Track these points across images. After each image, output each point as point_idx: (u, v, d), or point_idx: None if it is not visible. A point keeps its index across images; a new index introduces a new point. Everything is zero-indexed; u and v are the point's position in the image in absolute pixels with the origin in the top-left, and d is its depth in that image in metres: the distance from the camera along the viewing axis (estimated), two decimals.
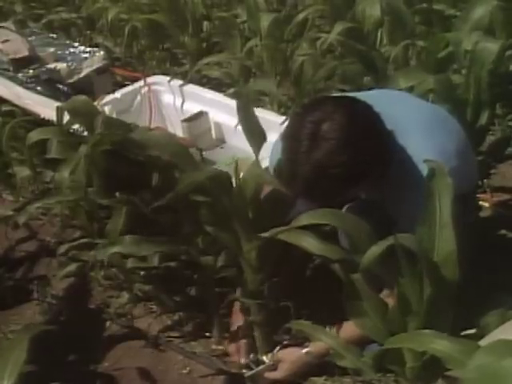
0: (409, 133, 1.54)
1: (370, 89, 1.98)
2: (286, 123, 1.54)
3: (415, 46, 2.69)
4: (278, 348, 1.80)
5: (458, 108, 2.07)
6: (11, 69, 3.04)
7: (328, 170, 1.39)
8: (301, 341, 1.72)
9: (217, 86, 3.25)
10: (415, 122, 1.59)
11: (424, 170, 1.41)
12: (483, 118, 2.18)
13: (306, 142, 1.40)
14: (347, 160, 1.38)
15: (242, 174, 1.64)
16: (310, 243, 1.43)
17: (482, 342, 1.19)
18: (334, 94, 2.06)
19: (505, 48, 2.28)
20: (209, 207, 1.66)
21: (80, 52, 3.19)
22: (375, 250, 1.26)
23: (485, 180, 2.38)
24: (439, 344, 1.16)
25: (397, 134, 1.52)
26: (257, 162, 1.64)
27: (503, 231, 2.19)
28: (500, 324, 1.30)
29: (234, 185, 1.62)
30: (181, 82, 2.86)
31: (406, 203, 1.49)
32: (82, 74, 3.02)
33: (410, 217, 1.38)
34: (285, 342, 1.82)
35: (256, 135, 1.65)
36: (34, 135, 2.13)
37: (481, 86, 2.13)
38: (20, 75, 3.00)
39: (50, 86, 2.95)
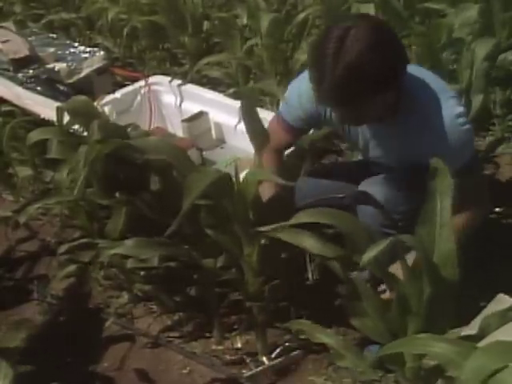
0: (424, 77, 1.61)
1: None
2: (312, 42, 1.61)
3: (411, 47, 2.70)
4: (278, 350, 1.80)
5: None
6: (11, 69, 3.04)
7: (358, 69, 1.42)
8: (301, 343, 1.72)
9: (217, 86, 3.25)
10: (427, 76, 1.64)
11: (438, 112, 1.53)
12: (476, 103, 2.25)
13: (335, 44, 1.42)
14: (377, 59, 1.42)
15: (242, 175, 1.64)
16: (310, 243, 1.44)
17: (482, 344, 1.19)
18: None
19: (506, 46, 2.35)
20: (209, 210, 1.66)
21: (80, 52, 3.19)
22: (373, 250, 1.26)
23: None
24: (437, 347, 1.16)
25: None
26: (259, 164, 1.65)
27: (503, 231, 2.19)
28: (500, 325, 1.30)
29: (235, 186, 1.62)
30: (181, 82, 2.85)
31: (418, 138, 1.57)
32: (81, 74, 3.02)
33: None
34: (286, 344, 1.83)
35: (259, 136, 1.66)
36: (34, 135, 2.12)
37: (476, 74, 2.21)
38: (20, 75, 3.00)
39: (50, 86, 2.95)
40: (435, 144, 1.55)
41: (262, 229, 1.52)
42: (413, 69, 1.61)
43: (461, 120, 1.57)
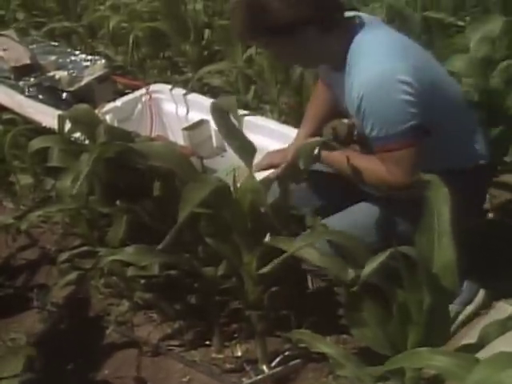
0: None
1: None
2: None
3: None
4: (278, 359, 1.80)
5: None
6: (12, 77, 3.05)
7: (256, 5, 1.55)
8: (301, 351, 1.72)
9: (218, 94, 3.25)
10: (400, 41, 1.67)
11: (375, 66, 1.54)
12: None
13: None
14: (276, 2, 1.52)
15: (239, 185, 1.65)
16: (311, 254, 1.44)
17: (482, 353, 1.19)
18: None
19: (506, 55, 2.30)
20: (209, 219, 1.66)
21: (81, 60, 3.19)
22: (374, 262, 1.26)
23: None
24: (437, 360, 1.15)
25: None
26: (251, 175, 1.65)
27: (504, 238, 2.18)
28: (500, 334, 1.30)
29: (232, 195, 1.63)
30: (182, 90, 2.86)
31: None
32: (83, 83, 3.02)
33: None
34: (286, 352, 1.82)
35: (245, 148, 1.66)
36: (36, 143, 2.13)
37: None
38: (21, 83, 3.01)
39: (51, 94, 2.95)
40: (362, 96, 1.55)
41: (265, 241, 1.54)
42: (395, 34, 1.67)
43: (402, 86, 1.52)
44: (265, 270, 1.62)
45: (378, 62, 1.56)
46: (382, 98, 1.53)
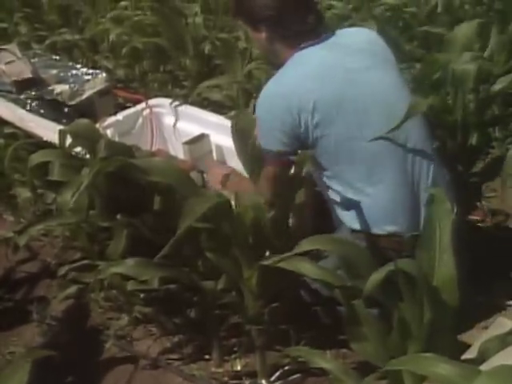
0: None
1: None
2: None
3: (414, 69, 2.70)
4: (277, 373, 1.79)
5: (449, 129, 2.09)
6: (14, 91, 3.06)
7: None
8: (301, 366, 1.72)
9: (218, 108, 3.26)
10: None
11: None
12: (472, 140, 2.19)
13: None
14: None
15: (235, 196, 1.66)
16: (308, 269, 1.45)
17: (483, 367, 1.18)
18: None
19: (504, 70, 2.30)
20: (209, 233, 1.67)
21: (82, 74, 3.20)
22: (377, 276, 1.26)
23: (482, 201, 2.40)
24: (441, 368, 1.14)
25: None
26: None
27: (501, 253, 2.19)
28: (500, 349, 1.29)
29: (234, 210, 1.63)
30: (182, 104, 2.87)
31: None
32: (84, 96, 3.03)
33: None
34: (286, 367, 1.82)
35: (254, 162, 1.68)
36: (36, 157, 2.13)
37: (467, 107, 2.13)
38: (23, 97, 3.02)
39: (53, 108, 2.96)
40: None
41: (264, 262, 1.54)
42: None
43: (282, 116, 1.66)
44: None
45: (277, 83, 1.72)
46: (262, 114, 1.74)
